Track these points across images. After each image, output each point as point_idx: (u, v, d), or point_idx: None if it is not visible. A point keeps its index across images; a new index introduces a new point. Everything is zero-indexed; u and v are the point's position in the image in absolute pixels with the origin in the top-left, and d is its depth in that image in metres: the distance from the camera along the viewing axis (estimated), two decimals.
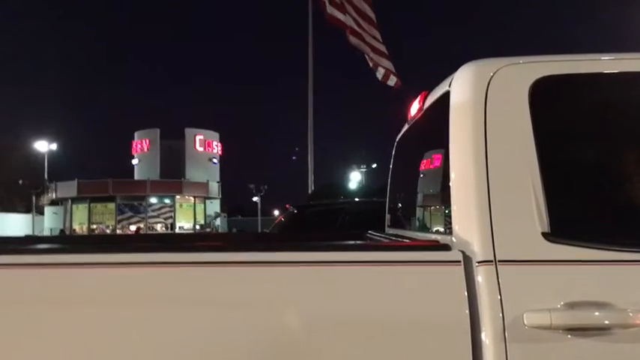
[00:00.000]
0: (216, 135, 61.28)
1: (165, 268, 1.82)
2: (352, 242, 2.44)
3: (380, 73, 13.95)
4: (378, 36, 14.12)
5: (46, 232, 48.28)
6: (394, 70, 14.08)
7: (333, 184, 27.14)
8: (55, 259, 1.88)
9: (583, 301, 1.73)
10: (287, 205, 9.71)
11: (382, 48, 14.08)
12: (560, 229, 1.83)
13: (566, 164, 2.01)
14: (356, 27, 13.72)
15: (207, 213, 54.82)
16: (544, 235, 1.82)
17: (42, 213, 53.81)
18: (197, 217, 54.89)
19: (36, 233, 43.11)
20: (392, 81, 14.08)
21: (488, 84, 1.98)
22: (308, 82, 16.78)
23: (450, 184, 1.98)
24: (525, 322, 1.70)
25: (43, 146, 49.95)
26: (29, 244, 2.87)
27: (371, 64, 13.92)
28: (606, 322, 1.71)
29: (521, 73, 2.01)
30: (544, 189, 1.86)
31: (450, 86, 2.12)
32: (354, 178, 45.44)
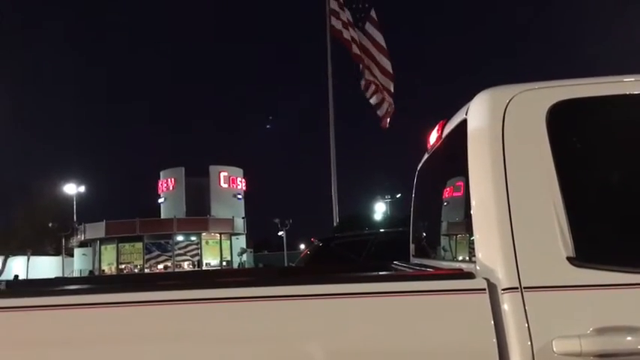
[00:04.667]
0: (240, 171, 61.84)
1: (189, 305, 1.84)
2: (376, 273, 2.43)
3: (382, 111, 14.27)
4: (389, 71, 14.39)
5: (76, 274, 48.78)
6: (388, 111, 14.38)
7: (357, 215, 27.04)
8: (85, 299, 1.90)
9: (613, 326, 1.69)
10: (312, 239, 9.70)
11: (389, 86, 14.36)
12: (585, 253, 1.80)
13: (589, 187, 1.99)
14: (369, 74, 14.10)
15: (234, 249, 54.95)
16: (569, 259, 1.79)
17: (71, 255, 54.48)
18: (223, 253, 55.03)
19: (66, 275, 43.57)
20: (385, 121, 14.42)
21: (505, 111, 1.99)
22: (329, 114, 16.92)
23: (472, 211, 1.98)
24: (555, 350, 1.67)
25: (71, 189, 50.89)
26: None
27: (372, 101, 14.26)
28: (638, 347, 1.67)
29: (537, 98, 2.01)
30: (567, 213, 1.84)
31: (466, 114, 2.14)
32: (379, 209, 45.19)
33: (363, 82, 14.73)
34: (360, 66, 14.77)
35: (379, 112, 14.55)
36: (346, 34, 14.76)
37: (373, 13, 14.96)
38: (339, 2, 15.16)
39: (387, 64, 14.60)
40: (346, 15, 14.93)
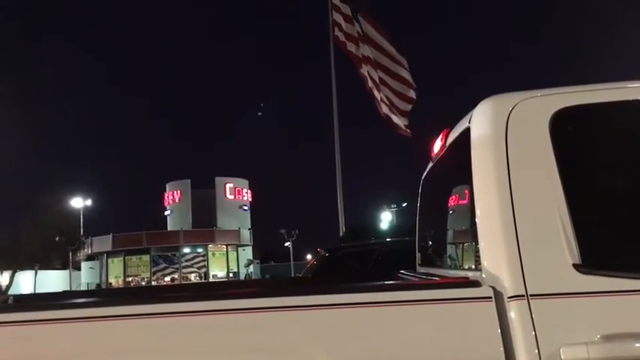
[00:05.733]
0: (246, 182, 61.87)
1: (199, 317, 1.84)
2: (382, 283, 2.43)
3: (399, 120, 14.08)
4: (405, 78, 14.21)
5: (83, 287, 48.80)
6: (405, 123, 14.16)
7: (364, 225, 26.98)
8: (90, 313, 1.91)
9: (620, 333, 1.68)
10: (318, 249, 9.69)
11: (405, 94, 14.16)
12: (591, 260, 1.80)
13: (593, 193, 1.99)
14: (376, 79, 13.99)
15: (240, 260, 54.92)
16: (575, 266, 1.79)
17: (79, 268, 54.57)
18: (230, 264, 54.98)
19: (73, 288, 43.62)
20: (404, 130, 14.21)
21: (508, 118, 1.99)
22: (334, 123, 16.93)
23: (476, 219, 1.98)
24: (562, 357, 1.66)
25: (78, 202, 51.01)
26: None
27: (382, 111, 14.10)
28: None
29: (540, 105, 2.02)
30: (572, 220, 1.84)
31: (470, 122, 2.14)
32: (385, 218, 45.13)
33: (371, 89, 14.59)
34: (366, 74, 14.67)
35: (395, 120, 14.34)
36: (350, 46, 14.73)
37: (373, 15, 14.82)
38: (341, 11, 15.10)
39: (399, 70, 14.37)
40: (354, 28, 14.88)
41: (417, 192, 3.50)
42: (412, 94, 14.10)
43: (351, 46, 14.56)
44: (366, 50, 14.30)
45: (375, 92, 14.18)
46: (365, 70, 14.28)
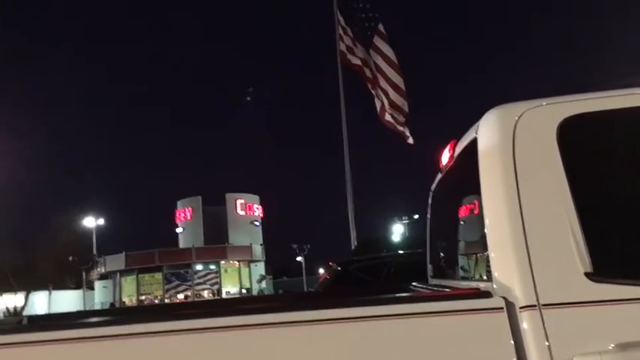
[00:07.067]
0: (257, 198, 61.98)
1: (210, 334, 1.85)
2: (394, 295, 2.42)
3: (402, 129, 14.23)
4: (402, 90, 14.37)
5: (97, 307, 48.93)
6: (404, 129, 14.33)
7: (375, 238, 26.91)
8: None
9: (634, 342, 1.67)
10: (330, 263, 9.66)
11: (403, 106, 14.33)
12: (603, 268, 1.79)
13: (603, 201, 1.98)
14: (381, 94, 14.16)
15: (253, 276, 54.86)
16: (587, 275, 1.78)
17: (92, 288, 54.67)
18: (242, 280, 54.92)
19: (87, 308, 43.74)
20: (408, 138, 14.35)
21: (515, 128, 2.00)
22: (343, 138, 16.97)
23: (486, 230, 1.98)
24: None
25: (90, 222, 51.25)
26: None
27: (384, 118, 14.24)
28: None
29: (546, 114, 2.02)
30: (582, 228, 1.83)
31: (477, 133, 2.15)
32: (397, 231, 45.00)
33: (377, 105, 14.73)
34: (372, 89, 14.78)
35: (401, 129, 14.46)
36: (355, 60, 14.83)
37: (381, 27, 14.94)
38: (344, 26, 15.21)
39: (399, 81, 14.54)
40: (354, 40, 15.00)
41: (427, 204, 3.50)
42: (406, 106, 14.32)
43: (355, 59, 14.70)
44: (373, 57, 14.46)
45: (379, 98, 14.34)
46: (368, 72, 14.43)
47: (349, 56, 14.84)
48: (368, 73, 14.76)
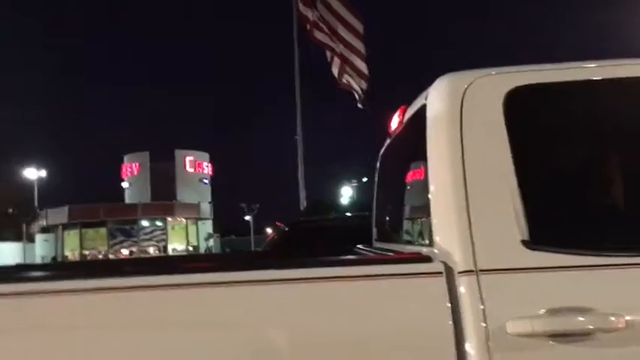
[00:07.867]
0: (207, 155, 61.30)
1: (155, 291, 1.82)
2: (335, 258, 2.44)
3: (355, 90, 14.11)
4: (362, 50, 14.19)
5: (38, 260, 47.80)
6: (363, 90, 14.21)
7: (324, 200, 27.16)
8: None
9: (564, 307, 1.74)
10: (277, 223, 9.70)
11: (362, 67, 14.16)
12: (539, 237, 1.84)
13: (543, 172, 2.04)
14: (334, 46, 13.91)
15: (200, 234, 54.65)
16: (523, 242, 1.83)
17: (33, 241, 53.33)
18: (190, 238, 54.67)
19: (27, 261, 42.68)
20: (360, 102, 14.26)
21: (463, 96, 2.01)
22: (295, 97, 16.86)
23: (430, 196, 2.00)
24: (508, 331, 1.71)
25: (31, 173, 49.59)
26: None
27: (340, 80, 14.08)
28: (588, 326, 1.72)
29: (495, 83, 2.04)
30: (522, 197, 1.88)
31: (426, 99, 2.15)
32: (346, 193, 45.44)
33: (335, 68, 14.51)
34: (328, 50, 14.57)
35: (355, 89, 14.30)
36: (312, 17, 14.55)
37: None
38: None
39: (359, 45, 14.33)
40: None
41: (375, 168, 3.53)
42: (365, 68, 14.17)
43: (307, 12, 14.38)
44: (323, 15, 14.18)
45: (334, 59, 14.14)
46: (322, 36, 14.21)
47: (304, 10, 14.54)
48: (323, 36, 14.52)
